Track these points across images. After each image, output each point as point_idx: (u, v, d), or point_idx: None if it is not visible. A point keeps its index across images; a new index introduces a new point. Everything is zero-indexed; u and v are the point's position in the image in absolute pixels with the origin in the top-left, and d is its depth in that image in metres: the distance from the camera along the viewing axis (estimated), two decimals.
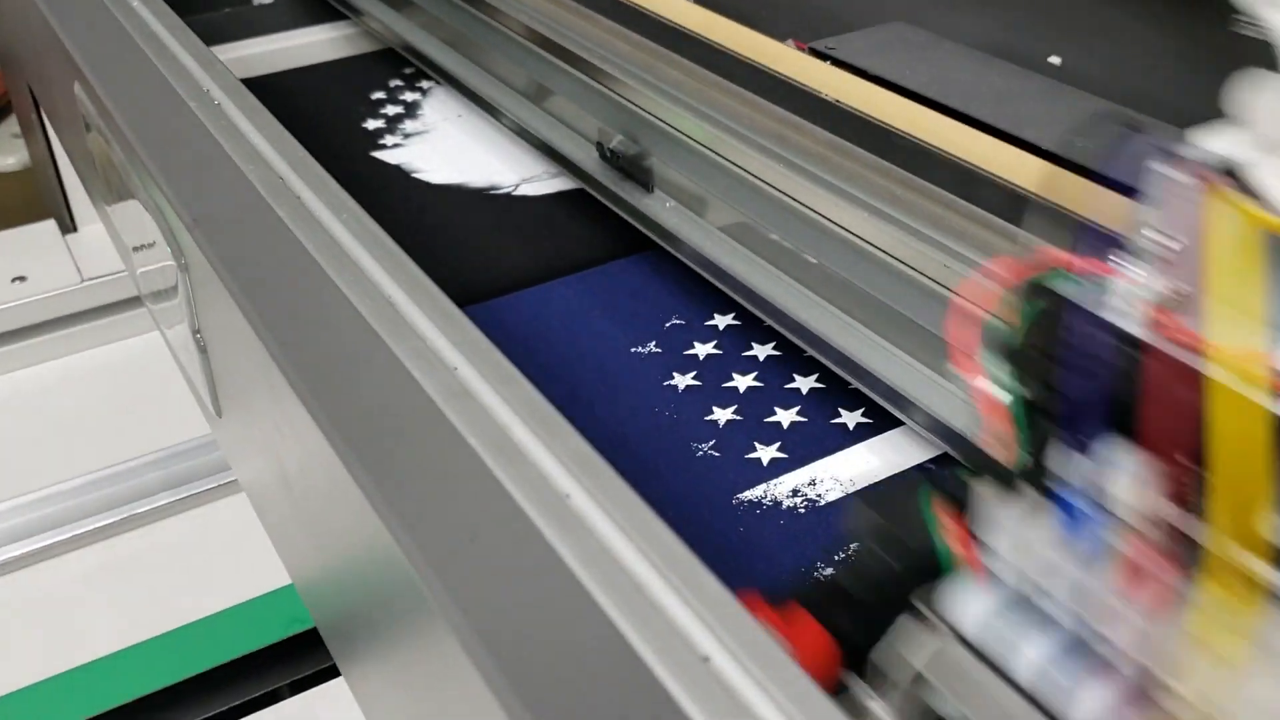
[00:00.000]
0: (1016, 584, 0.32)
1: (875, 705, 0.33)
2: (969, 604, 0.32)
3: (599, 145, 0.60)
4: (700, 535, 0.31)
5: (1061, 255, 0.31)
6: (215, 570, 0.87)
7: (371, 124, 0.73)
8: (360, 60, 0.82)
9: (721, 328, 0.57)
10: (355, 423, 0.35)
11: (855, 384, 0.49)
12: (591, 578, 0.30)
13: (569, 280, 0.60)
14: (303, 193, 0.45)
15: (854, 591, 0.36)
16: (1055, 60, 0.57)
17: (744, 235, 0.54)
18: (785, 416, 0.51)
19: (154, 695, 0.80)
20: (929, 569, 0.33)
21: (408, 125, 0.73)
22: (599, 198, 0.62)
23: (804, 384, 0.53)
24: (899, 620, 0.33)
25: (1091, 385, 0.29)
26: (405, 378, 0.36)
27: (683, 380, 0.54)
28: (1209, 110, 0.31)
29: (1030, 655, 0.31)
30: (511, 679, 0.27)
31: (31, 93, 0.99)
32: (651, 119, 0.56)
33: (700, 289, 0.57)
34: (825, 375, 0.53)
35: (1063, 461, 0.30)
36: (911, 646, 0.33)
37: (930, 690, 0.32)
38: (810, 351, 0.51)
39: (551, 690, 0.27)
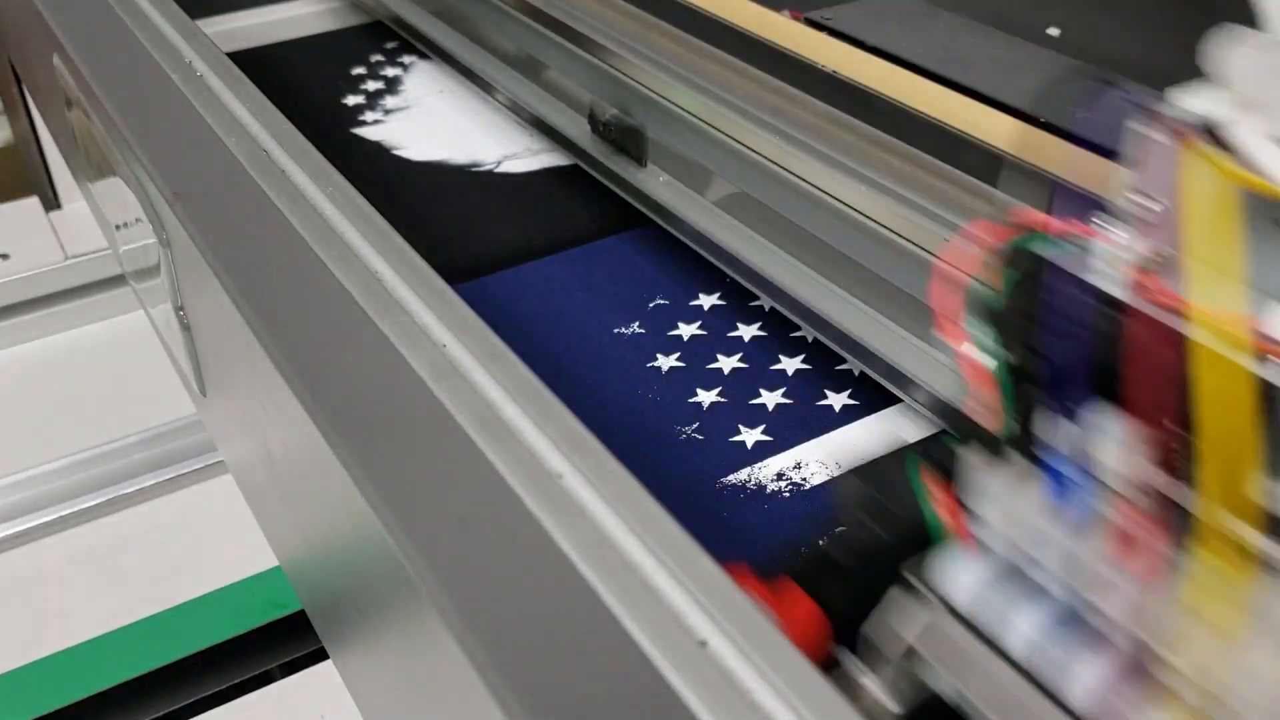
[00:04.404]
0: (1007, 554, 0.31)
1: (867, 680, 0.33)
2: (960, 575, 0.32)
3: (591, 118, 0.59)
4: (683, 520, 0.30)
5: (1042, 217, 0.30)
6: (203, 552, 0.86)
7: (352, 100, 0.72)
8: (344, 34, 0.80)
9: (706, 308, 0.56)
10: (341, 401, 0.34)
11: (849, 359, 0.49)
12: (585, 561, 0.29)
13: (553, 260, 0.59)
14: (287, 166, 0.44)
15: (844, 564, 0.35)
16: (1054, 31, 0.56)
17: (738, 209, 0.53)
18: (770, 399, 0.51)
19: (141, 679, 0.80)
20: (919, 539, 0.33)
21: (388, 101, 0.72)
22: (591, 172, 0.61)
23: (790, 365, 0.52)
24: (890, 593, 0.33)
25: (1075, 349, 0.29)
26: (393, 355, 0.36)
27: (666, 362, 0.53)
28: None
29: (1022, 627, 0.30)
30: (501, 666, 0.27)
31: (13, 68, 0.97)
32: (645, 91, 0.55)
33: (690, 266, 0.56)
34: (810, 357, 0.52)
35: (1050, 428, 0.30)
36: (903, 619, 0.32)
37: (922, 664, 0.32)
38: (804, 326, 0.50)
39: (544, 676, 0.26)
